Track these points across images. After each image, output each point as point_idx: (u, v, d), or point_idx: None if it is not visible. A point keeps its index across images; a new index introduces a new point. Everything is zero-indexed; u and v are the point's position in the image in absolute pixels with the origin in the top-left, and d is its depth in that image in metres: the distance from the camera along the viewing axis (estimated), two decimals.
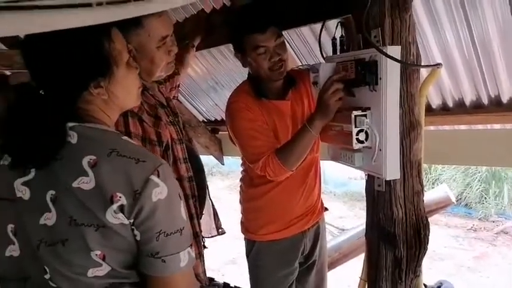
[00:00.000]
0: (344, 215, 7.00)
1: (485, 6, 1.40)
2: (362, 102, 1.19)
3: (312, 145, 1.36)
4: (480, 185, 6.88)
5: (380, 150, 1.12)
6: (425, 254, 1.26)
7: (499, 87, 1.72)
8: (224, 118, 1.68)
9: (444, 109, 2.01)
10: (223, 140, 3.25)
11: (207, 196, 1.60)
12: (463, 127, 2.15)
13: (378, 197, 1.25)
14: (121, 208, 0.75)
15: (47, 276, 0.79)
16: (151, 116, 1.19)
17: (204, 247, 1.48)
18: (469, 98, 1.87)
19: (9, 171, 0.82)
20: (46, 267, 0.79)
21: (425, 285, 4.01)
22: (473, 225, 6.28)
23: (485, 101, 1.84)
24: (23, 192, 0.80)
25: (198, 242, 1.36)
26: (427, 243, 1.26)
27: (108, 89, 0.84)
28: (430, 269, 4.92)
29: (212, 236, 1.67)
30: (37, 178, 0.80)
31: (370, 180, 1.28)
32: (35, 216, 0.78)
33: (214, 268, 5.10)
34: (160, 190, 0.78)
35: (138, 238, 0.79)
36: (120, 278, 0.81)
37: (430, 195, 3.29)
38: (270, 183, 1.50)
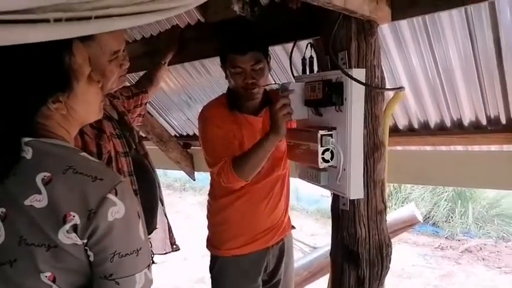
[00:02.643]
0: (316, 233, 7.02)
1: (447, 36, 1.47)
2: (328, 122, 1.21)
3: (265, 158, 1.39)
4: (447, 204, 7.08)
5: (344, 169, 1.14)
6: (387, 272, 1.28)
7: (461, 110, 1.80)
8: (197, 133, 1.70)
9: (410, 130, 2.07)
10: (195, 155, 3.22)
11: (162, 212, 1.57)
12: (428, 148, 2.23)
13: (342, 215, 1.27)
14: (74, 228, 0.73)
15: None
16: (94, 129, 1.19)
17: (153, 262, 1.44)
18: (433, 120, 1.94)
19: None
20: None
21: None
22: (440, 243, 6.42)
23: (448, 123, 1.91)
24: None
25: None
26: (389, 262, 1.28)
27: (67, 104, 0.81)
28: (398, 286, 4.98)
29: (167, 253, 1.63)
30: None
31: (335, 199, 1.30)
32: None
33: (183, 287, 4.98)
34: (118, 209, 0.75)
35: (91, 259, 0.76)
36: None
37: (397, 214, 3.37)
38: (234, 195, 1.52)
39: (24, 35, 0.64)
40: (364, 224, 1.24)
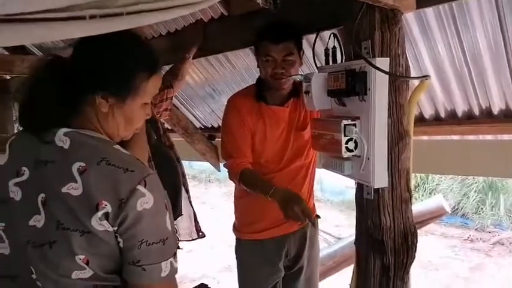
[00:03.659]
0: (340, 224, 7.00)
1: (476, 23, 1.44)
2: (352, 111, 1.22)
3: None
4: (477, 196, 6.89)
5: (368, 159, 1.14)
6: (412, 261, 1.28)
7: (490, 99, 1.75)
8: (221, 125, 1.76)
9: (437, 119, 2.04)
10: (220, 147, 3.27)
11: (187, 200, 1.66)
12: (455, 137, 2.18)
13: (366, 205, 1.28)
14: (106, 215, 0.77)
15: (33, 276, 0.81)
16: None
17: (178, 248, 1.52)
18: (461, 109, 1.90)
19: (4, 172, 0.85)
20: (32, 268, 0.81)
21: None
22: (470, 235, 6.28)
23: (476, 112, 1.87)
24: (15, 193, 0.83)
25: None
26: (415, 251, 1.27)
27: (111, 107, 0.87)
28: (425, 279, 4.92)
29: (193, 239, 1.72)
30: (30, 180, 0.83)
31: (360, 189, 1.31)
32: (25, 217, 0.81)
33: (209, 275, 5.09)
34: (147, 200, 0.80)
35: (121, 245, 0.81)
36: (103, 281, 0.83)
37: (425, 205, 3.31)
38: None
39: (62, 32, 0.69)
40: (388, 213, 1.24)
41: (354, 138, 1.17)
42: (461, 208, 6.93)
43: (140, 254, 0.80)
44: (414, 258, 1.28)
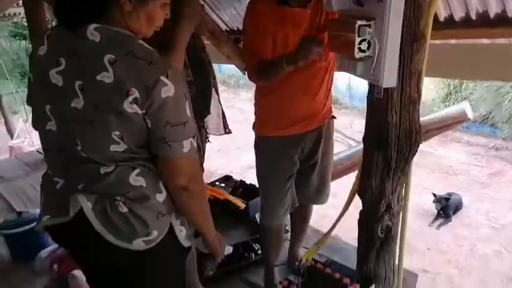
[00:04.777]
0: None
1: None
2: (368, 12, 1.23)
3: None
4: (510, 105, 6.69)
5: (379, 59, 1.19)
6: (414, 155, 1.40)
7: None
8: None
9: (467, 21, 1.97)
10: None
11: (217, 99, 1.81)
12: (485, 41, 2.12)
13: (376, 103, 1.37)
14: (135, 100, 0.92)
15: (78, 148, 1.00)
16: None
17: (208, 141, 1.75)
18: (493, 11, 1.83)
19: (45, 62, 0.99)
20: (78, 141, 0.99)
21: (434, 195, 4.28)
22: (496, 144, 6.28)
23: (510, 13, 1.79)
24: (57, 80, 0.98)
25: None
26: (417, 147, 1.38)
27: (134, 7, 0.97)
28: (443, 182, 5.14)
29: (221, 134, 1.91)
30: (67, 69, 0.97)
31: (371, 88, 1.38)
32: (67, 100, 0.97)
33: (236, 172, 5.52)
34: (169, 89, 0.94)
35: (149, 125, 0.97)
36: (136, 154, 1.02)
37: (447, 111, 3.33)
38: (274, 85, 1.64)
39: None
40: (396, 112, 1.33)
41: (368, 38, 1.19)
42: (492, 117, 6.81)
43: (166, 133, 0.97)
44: (416, 152, 1.40)
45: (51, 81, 0.98)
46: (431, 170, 5.46)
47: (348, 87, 8.70)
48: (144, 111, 0.95)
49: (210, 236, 1.25)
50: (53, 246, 2.31)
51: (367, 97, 1.43)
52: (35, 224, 2.32)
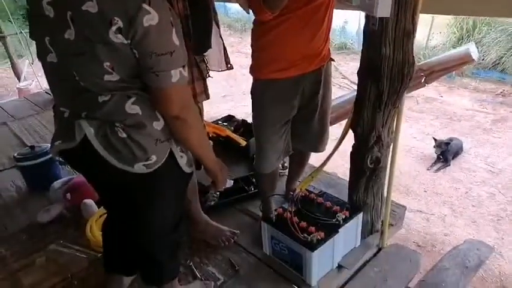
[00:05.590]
0: None
1: None
2: None
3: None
4: None
5: None
6: (406, 88, 1.44)
7: None
8: None
9: None
10: None
11: (218, 34, 1.74)
12: None
13: (371, 35, 1.39)
14: (119, 30, 0.94)
15: (77, 78, 1.05)
16: None
17: (208, 76, 1.72)
18: None
19: None
20: (75, 72, 1.04)
21: (435, 139, 4.31)
22: (504, 90, 6.18)
23: None
24: (49, 11, 1.00)
25: (199, 69, 1.61)
26: (409, 80, 1.42)
27: None
28: (445, 127, 5.16)
29: (222, 70, 1.86)
30: (57, 0, 0.98)
31: (367, 20, 1.40)
32: (60, 31, 0.99)
33: (241, 117, 5.59)
34: (152, 17, 0.94)
35: (137, 56, 0.99)
36: (129, 83, 1.05)
37: (452, 52, 3.28)
38: (274, 21, 1.57)
39: None
40: (389, 43, 1.35)
41: None
42: (503, 62, 6.63)
43: (152, 63, 0.99)
44: (407, 86, 1.43)
45: (45, 12, 1.00)
46: (435, 116, 5.45)
47: (358, 32, 8.44)
48: (129, 41, 0.96)
49: (209, 163, 1.30)
50: (65, 177, 2.46)
51: (363, 29, 1.45)
52: (47, 156, 2.47)
